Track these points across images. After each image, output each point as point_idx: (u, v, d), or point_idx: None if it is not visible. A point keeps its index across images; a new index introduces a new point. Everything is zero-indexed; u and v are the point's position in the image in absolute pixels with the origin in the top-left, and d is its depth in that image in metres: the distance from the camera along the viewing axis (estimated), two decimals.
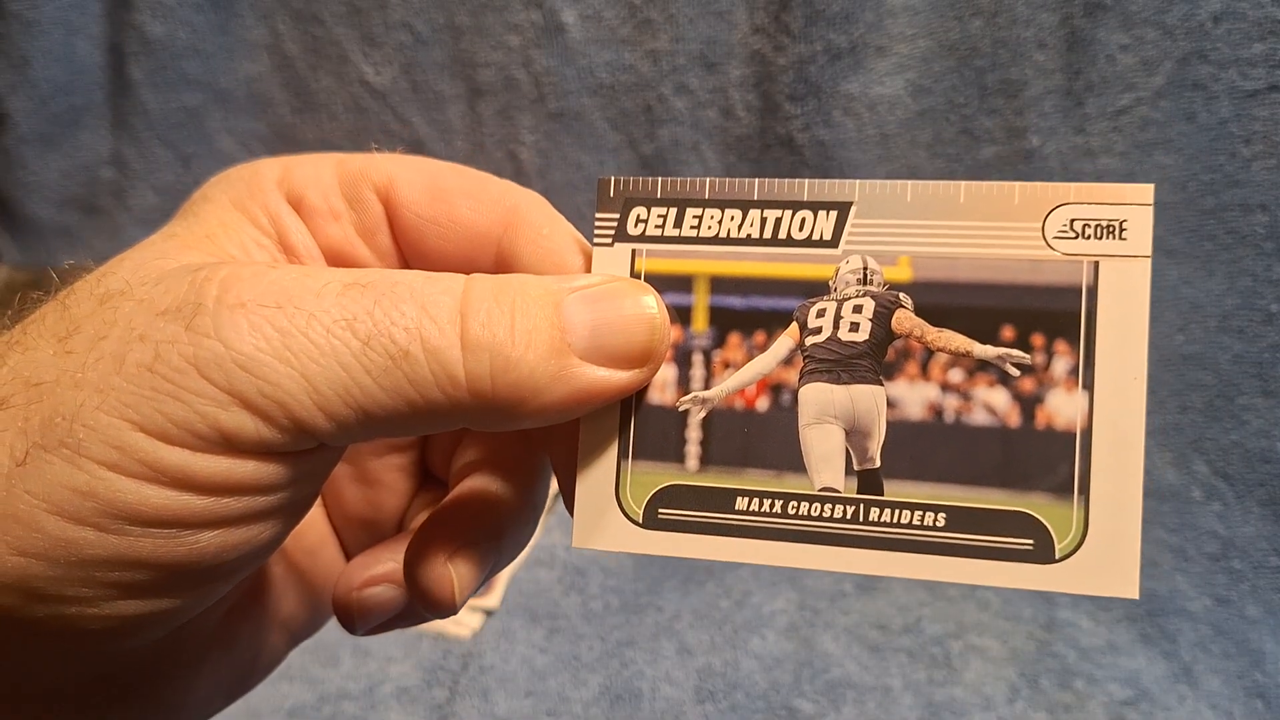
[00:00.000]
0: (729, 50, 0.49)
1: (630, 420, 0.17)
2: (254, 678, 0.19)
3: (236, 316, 0.13)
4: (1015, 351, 0.16)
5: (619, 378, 0.16)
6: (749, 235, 0.17)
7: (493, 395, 0.14)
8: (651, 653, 0.38)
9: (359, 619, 0.18)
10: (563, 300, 0.15)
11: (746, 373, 0.17)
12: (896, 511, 0.16)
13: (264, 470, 0.14)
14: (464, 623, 0.40)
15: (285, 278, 0.14)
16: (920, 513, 0.16)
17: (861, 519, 0.17)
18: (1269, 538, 0.42)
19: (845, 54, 0.46)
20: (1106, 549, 0.16)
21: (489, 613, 0.40)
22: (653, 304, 0.16)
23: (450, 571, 0.17)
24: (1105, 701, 0.37)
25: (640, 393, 0.17)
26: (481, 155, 0.55)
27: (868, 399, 0.17)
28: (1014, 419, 0.17)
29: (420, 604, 0.17)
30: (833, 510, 0.17)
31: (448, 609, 0.17)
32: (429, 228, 0.17)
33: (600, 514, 0.17)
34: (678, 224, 0.17)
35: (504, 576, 0.42)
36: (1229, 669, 0.39)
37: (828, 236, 0.17)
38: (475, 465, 0.19)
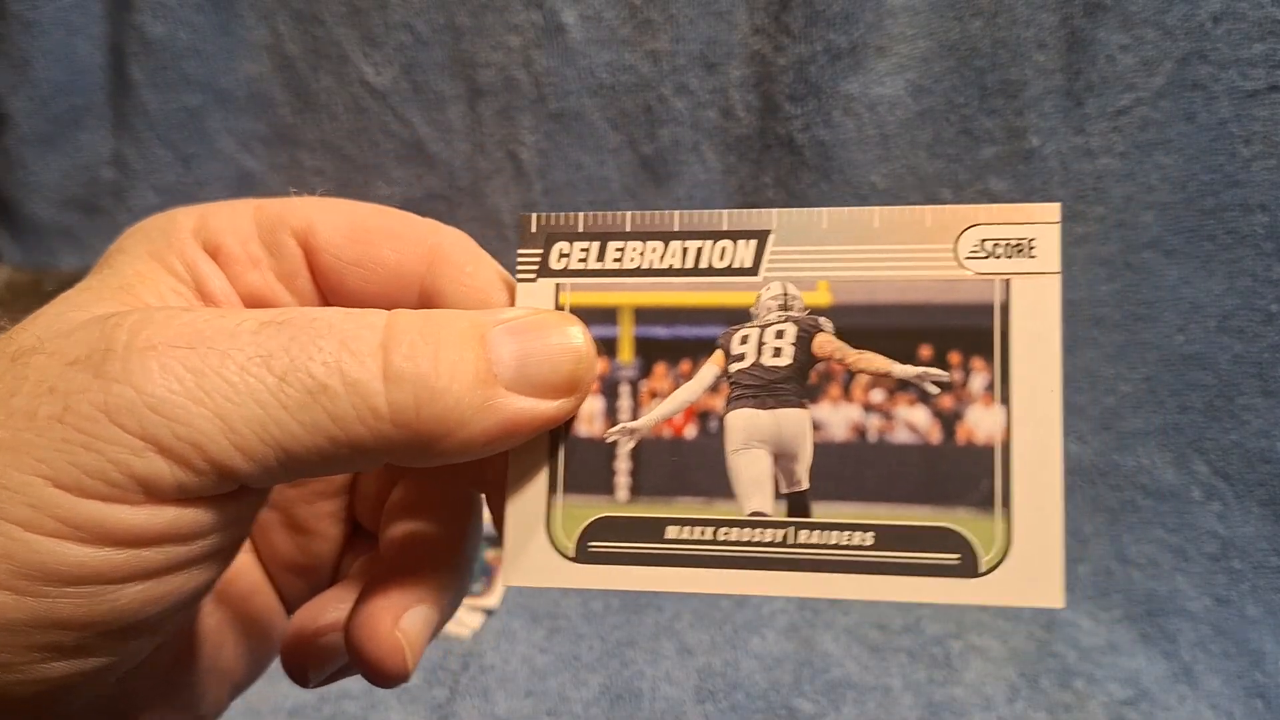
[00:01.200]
0: (729, 51, 0.49)
1: (559, 453, 0.17)
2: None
3: (147, 359, 0.13)
4: (933, 370, 0.17)
5: (546, 408, 0.15)
6: (671, 266, 0.17)
7: (417, 427, 0.14)
8: (652, 652, 0.38)
9: (312, 670, 0.18)
10: (488, 332, 0.15)
11: (673, 402, 0.17)
12: (825, 533, 0.17)
13: (185, 517, 0.13)
14: (464, 622, 0.40)
15: (198, 319, 0.14)
16: (848, 533, 0.17)
17: (791, 542, 0.17)
18: (1269, 538, 0.43)
19: (845, 54, 0.46)
20: (1030, 560, 0.17)
21: (489, 612, 0.40)
22: (578, 335, 0.16)
23: (400, 639, 0.16)
24: (1105, 701, 0.37)
25: (568, 425, 0.17)
26: (482, 155, 0.55)
27: (793, 423, 0.17)
28: (935, 436, 0.17)
29: (370, 676, 0.16)
30: (762, 535, 0.17)
31: (400, 678, 0.16)
32: (350, 269, 0.17)
33: (531, 549, 0.17)
34: (600, 257, 0.17)
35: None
36: (1229, 669, 0.39)
37: (748, 264, 0.17)
38: (405, 510, 0.18)
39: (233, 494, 0.14)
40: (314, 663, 0.18)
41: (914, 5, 0.45)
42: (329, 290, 0.17)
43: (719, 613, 0.41)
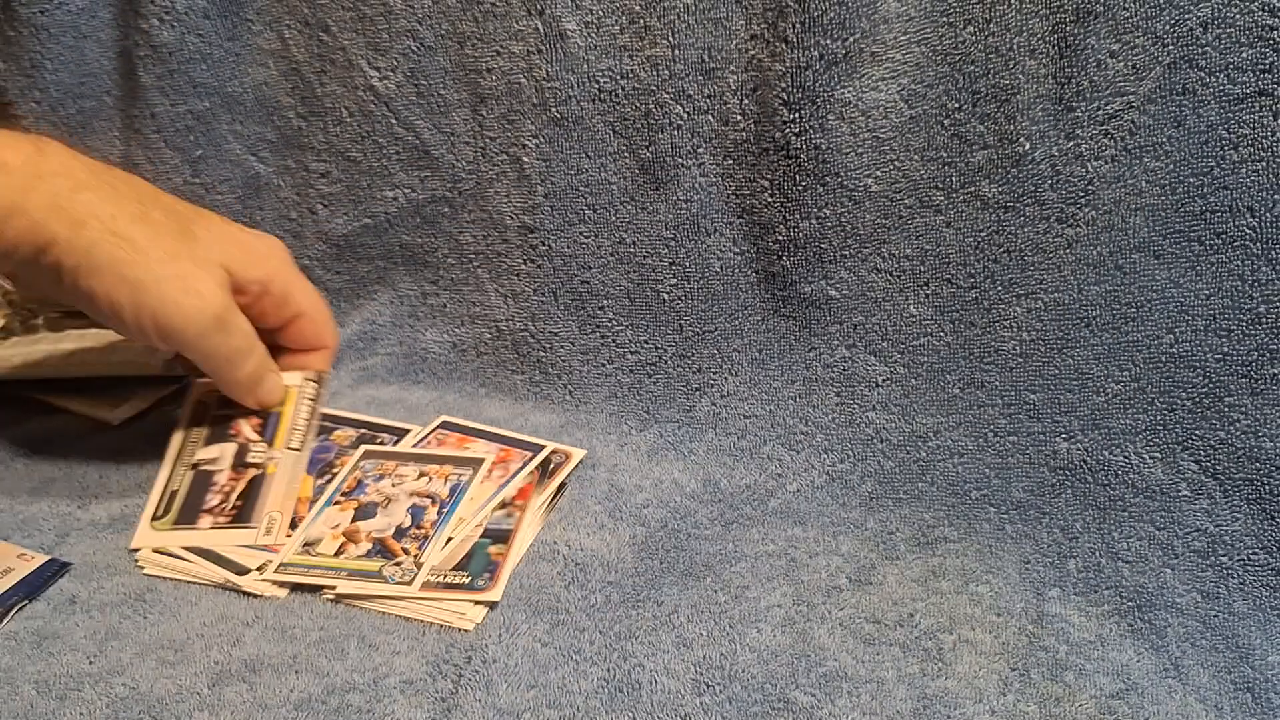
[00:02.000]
0: (727, 57, 0.50)
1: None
2: None
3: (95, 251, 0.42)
4: None
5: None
6: None
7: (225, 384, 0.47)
8: (650, 645, 0.39)
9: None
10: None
11: None
12: None
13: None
14: (467, 616, 0.40)
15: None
16: None
17: None
18: (1256, 534, 0.43)
19: (840, 61, 0.47)
20: None
21: (492, 605, 0.41)
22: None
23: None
24: (1095, 694, 0.38)
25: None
26: (485, 160, 0.56)
27: None
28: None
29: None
30: None
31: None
32: (272, 308, 0.49)
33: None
34: None
35: (505, 570, 0.43)
36: (1217, 663, 0.40)
37: None
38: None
39: None
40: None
41: (907, 12, 0.46)
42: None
43: (716, 606, 0.41)
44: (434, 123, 0.56)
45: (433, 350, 0.60)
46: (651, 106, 0.52)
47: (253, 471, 0.47)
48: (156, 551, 0.43)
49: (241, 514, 0.45)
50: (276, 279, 0.47)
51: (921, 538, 0.46)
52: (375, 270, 0.60)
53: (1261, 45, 0.41)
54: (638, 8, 0.50)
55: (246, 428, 0.49)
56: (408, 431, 0.53)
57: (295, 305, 0.48)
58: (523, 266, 0.57)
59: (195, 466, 0.47)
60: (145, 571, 0.43)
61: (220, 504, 0.45)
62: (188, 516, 0.45)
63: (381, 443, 0.51)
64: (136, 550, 0.44)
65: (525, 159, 0.55)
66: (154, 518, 0.45)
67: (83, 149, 0.60)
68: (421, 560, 0.42)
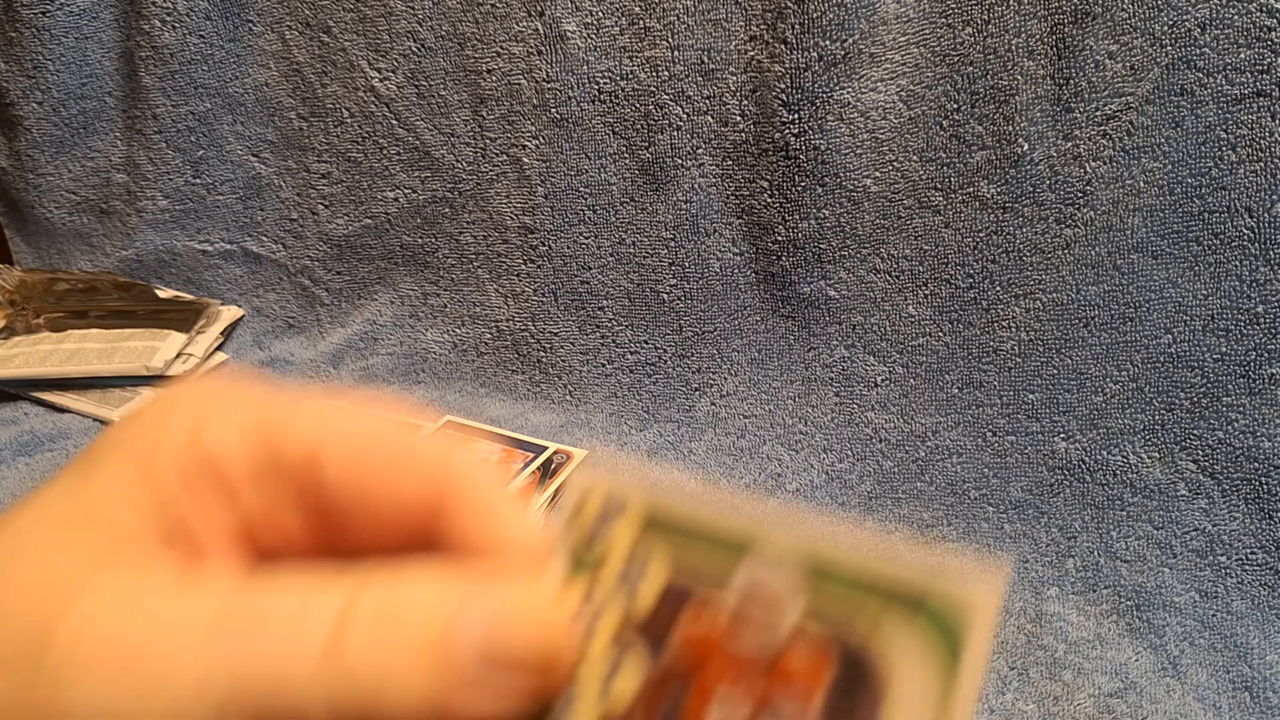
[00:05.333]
0: (726, 58, 0.50)
1: None
2: None
3: (84, 680, 0.12)
4: None
5: (508, 702, 0.13)
6: None
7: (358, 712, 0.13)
8: None
9: None
10: (457, 627, 0.13)
11: None
12: None
13: None
14: None
15: (148, 614, 0.13)
16: None
17: None
18: (1254, 533, 0.43)
19: (839, 62, 0.47)
20: None
21: None
22: (571, 618, 0.14)
23: None
24: (1093, 693, 0.38)
25: None
26: (485, 160, 0.56)
27: None
28: None
29: None
30: None
31: None
32: (350, 502, 0.15)
33: None
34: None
35: None
36: (1215, 662, 0.40)
37: None
38: None
39: None
40: None
41: (906, 14, 0.46)
42: (327, 518, 0.15)
43: None
44: (435, 124, 0.56)
45: (433, 350, 0.60)
46: (651, 108, 0.52)
47: None
48: None
49: None
50: (260, 420, 0.16)
51: (920, 537, 0.46)
52: (376, 271, 0.60)
53: (1259, 46, 0.41)
54: (637, 9, 0.51)
55: None
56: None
57: (300, 440, 0.16)
58: (523, 267, 0.57)
59: None
60: None
61: None
62: None
63: None
64: None
65: (525, 160, 0.55)
66: None
67: (84, 150, 0.60)
68: None
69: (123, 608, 0.13)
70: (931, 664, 0.13)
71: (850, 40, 0.47)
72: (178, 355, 0.56)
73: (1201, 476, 0.45)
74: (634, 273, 0.55)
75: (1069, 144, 0.45)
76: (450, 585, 0.13)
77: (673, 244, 0.54)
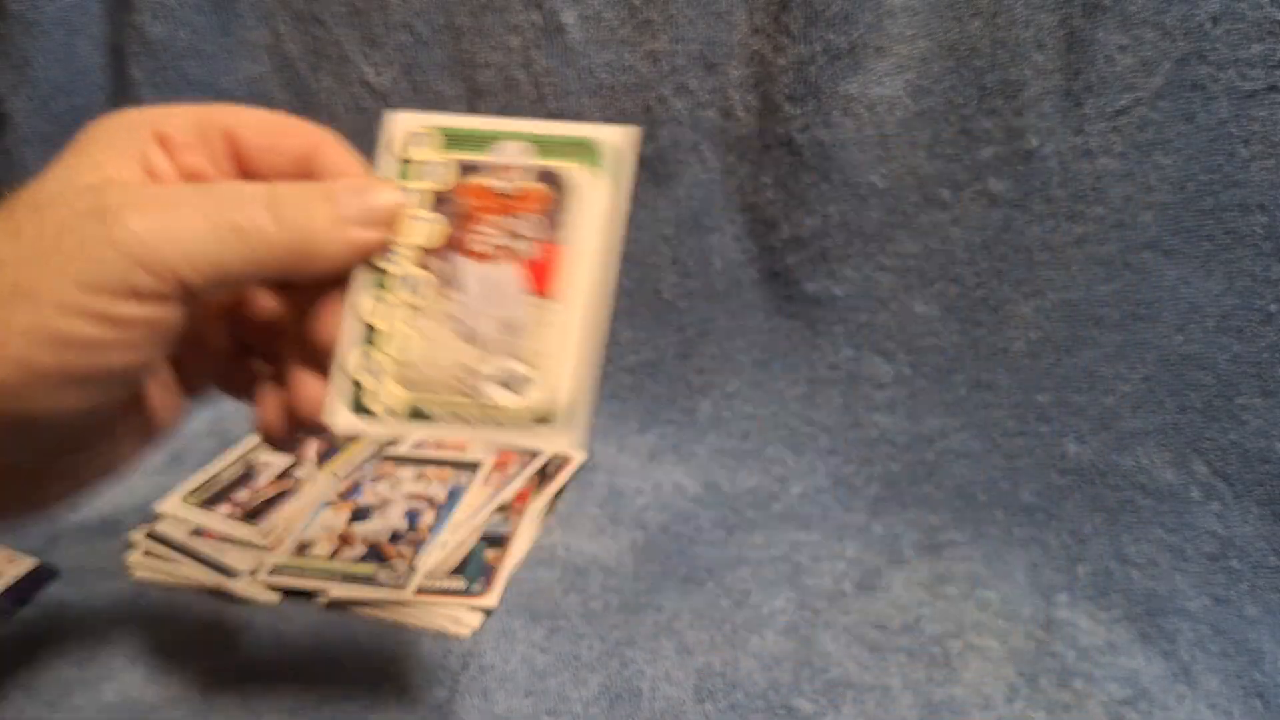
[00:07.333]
0: (729, 51, 0.49)
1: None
2: (147, 442, 0.27)
3: (133, 213, 0.21)
4: None
5: (373, 235, 0.25)
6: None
7: (298, 249, 0.23)
8: (651, 652, 0.38)
9: (290, 438, 0.27)
10: (337, 193, 0.24)
11: None
12: None
13: (157, 311, 0.22)
14: (463, 622, 0.40)
15: (160, 190, 0.23)
16: None
17: None
18: (1267, 537, 0.43)
19: (844, 55, 0.46)
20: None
21: (488, 612, 0.40)
22: (394, 192, 0.25)
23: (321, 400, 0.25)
24: (1104, 700, 0.37)
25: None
26: None
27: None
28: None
29: (315, 429, 0.26)
30: None
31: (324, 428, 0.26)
32: (261, 155, 0.25)
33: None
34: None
35: (502, 575, 0.42)
36: (1227, 668, 0.39)
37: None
38: (295, 338, 0.26)
39: (183, 299, 0.22)
40: (290, 433, 0.27)
41: (913, 6, 0.45)
42: (244, 168, 0.25)
43: (718, 612, 0.41)
44: None
45: None
46: (652, 101, 0.51)
47: (288, 484, 0.47)
48: (171, 516, 0.45)
49: (252, 515, 0.45)
50: (163, 124, 0.25)
51: (928, 542, 0.46)
52: None
53: (1272, 40, 0.41)
54: (637, 1, 0.50)
55: (310, 450, 0.50)
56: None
57: (219, 126, 0.26)
58: None
59: (250, 462, 0.49)
60: (136, 576, 0.42)
61: (246, 500, 0.46)
62: (212, 501, 0.46)
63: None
64: (160, 512, 0.45)
65: None
66: (190, 491, 0.47)
67: None
68: (416, 565, 0.42)
69: (143, 188, 0.23)
70: (599, 180, 0.26)
71: (856, 33, 0.46)
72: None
73: (1214, 479, 0.44)
74: (634, 270, 0.54)
75: (1079, 139, 0.44)
76: (329, 184, 0.24)
77: (674, 241, 0.53)
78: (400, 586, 0.40)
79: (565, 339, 0.25)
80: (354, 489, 0.47)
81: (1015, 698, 0.37)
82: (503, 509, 0.46)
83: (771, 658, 0.38)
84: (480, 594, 0.40)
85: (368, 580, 0.41)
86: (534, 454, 0.50)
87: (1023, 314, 0.47)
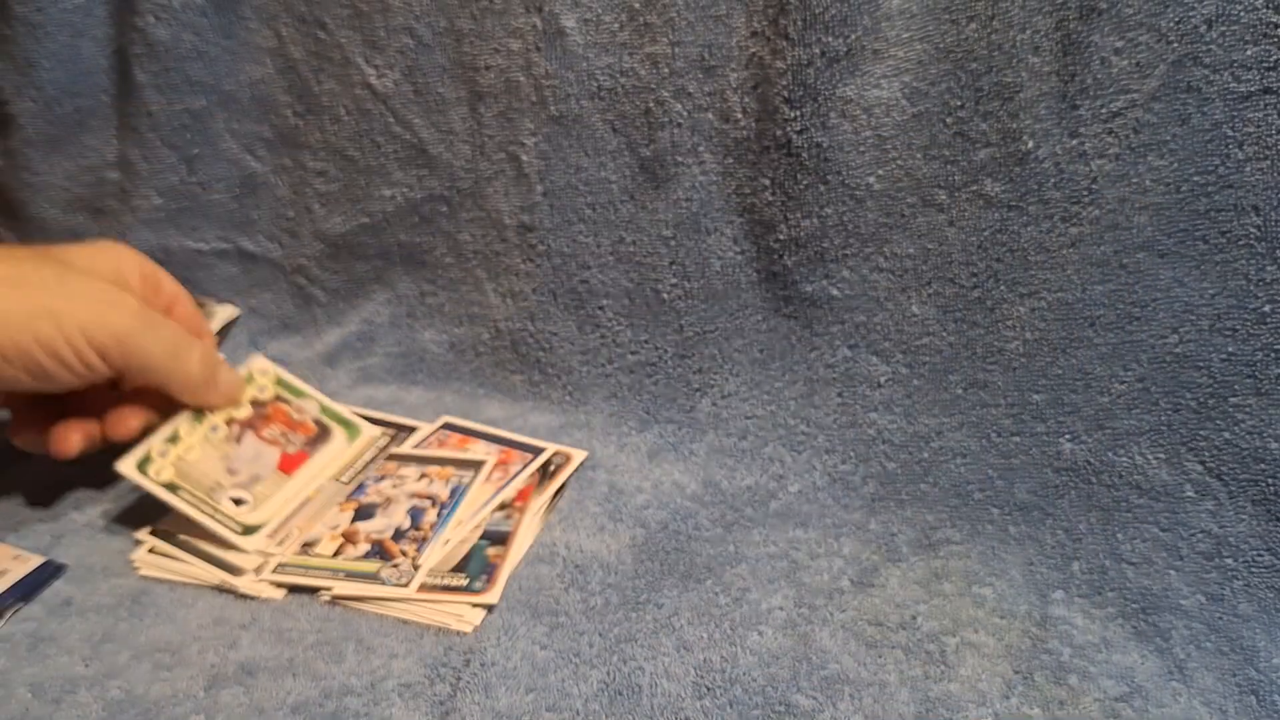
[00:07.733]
0: (727, 54, 0.49)
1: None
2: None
3: (130, 318, 0.41)
4: None
5: (219, 405, 0.47)
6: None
7: (190, 387, 0.44)
8: (651, 649, 0.39)
9: (78, 446, 0.44)
10: (226, 382, 0.47)
11: None
12: None
13: (97, 371, 0.40)
14: (466, 619, 0.40)
15: (129, 304, 0.42)
16: None
17: None
18: (1261, 535, 0.43)
19: (842, 58, 0.47)
20: None
21: (490, 608, 0.41)
22: (244, 397, 0.48)
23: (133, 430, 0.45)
24: (1099, 698, 0.38)
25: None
26: (483, 158, 0.56)
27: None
28: None
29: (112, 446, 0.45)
30: None
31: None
32: (178, 314, 0.46)
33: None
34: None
35: (503, 572, 0.42)
36: (1222, 665, 0.40)
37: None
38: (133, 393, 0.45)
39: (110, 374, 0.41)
40: (78, 447, 0.43)
41: (909, 9, 0.46)
42: (171, 313, 0.45)
43: (717, 609, 0.41)
44: (431, 121, 0.56)
45: (431, 350, 0.59)
46: (651, 104, 0.51)
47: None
48: (132, 472, 0.43)
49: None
50: (145, 266, 0.45)
51: (924, 539, 0.46)
52: (373, 270, 0.60)
53: (1266, 42, 0.41)
54: (637, 4, 0.50)
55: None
56: (415, 429, 0.53)
57: (168, 290, 0.46)
58: (521, 266, 0.56)
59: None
60: (141, 573, 0.43)
61: None
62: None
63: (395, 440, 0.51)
64: (122, 473, 0.43)
65: (524, 157, 0.55)
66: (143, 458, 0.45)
67: (78, 148, 0.59)
68: (419, 562, 0.42)
69: (109, 297, 0.41)
70: (348, 442, 0.50)
71: (853, 36, 0.46)
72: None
73: (1209, 478, 0.44)
74: (634, 272, 0.54)
75: (1075, 141, 0.45)
76: (231, 374, 0.47)
77: (673, 242, 0.53)
78: (403, 584, 0.41)
79: (282, 497, 0.45)
80: (358, 488, 0.47)
81: (1011, 694, 0.37)
82: (504, 507, 0.46)
83: (769, 654, 0.38)
84: (482, 591, 0.41)
85: (371, 577, 0.41)
86: (535, 453, 0.50)
87: (1018, 314, 0.47)
